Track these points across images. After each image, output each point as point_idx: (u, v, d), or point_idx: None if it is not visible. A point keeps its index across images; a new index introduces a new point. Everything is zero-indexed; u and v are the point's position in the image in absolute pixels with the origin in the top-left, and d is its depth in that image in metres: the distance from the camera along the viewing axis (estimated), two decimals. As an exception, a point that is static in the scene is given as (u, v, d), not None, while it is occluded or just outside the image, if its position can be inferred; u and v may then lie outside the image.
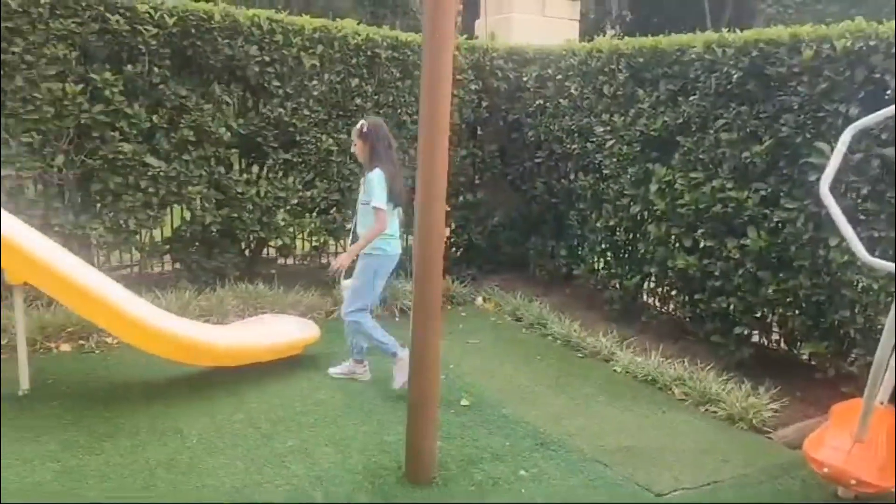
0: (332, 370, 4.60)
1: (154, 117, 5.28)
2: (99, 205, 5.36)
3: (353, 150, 4.41)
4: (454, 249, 6.94)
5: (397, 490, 3.28)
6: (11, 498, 3.05)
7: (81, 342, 4.84)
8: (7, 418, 3.73)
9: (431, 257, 3.21)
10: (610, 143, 5.73)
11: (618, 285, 5.90)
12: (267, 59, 5.66)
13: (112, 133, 5.13)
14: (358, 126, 4.30)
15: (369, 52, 6.14)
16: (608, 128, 5.77)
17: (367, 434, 3.83)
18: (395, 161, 4.35)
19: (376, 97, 6.24)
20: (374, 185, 4.17)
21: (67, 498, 3.08)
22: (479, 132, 7.05)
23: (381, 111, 6.25)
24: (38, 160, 4.97)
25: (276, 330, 4.77)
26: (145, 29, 5.09)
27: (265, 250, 6.42)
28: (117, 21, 4.99)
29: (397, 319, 5.76)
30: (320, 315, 5.72)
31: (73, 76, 4.97)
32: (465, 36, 6.79)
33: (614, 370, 4.93)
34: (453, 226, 6.82)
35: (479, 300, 6.48)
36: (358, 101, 6.13)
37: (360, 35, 6.08)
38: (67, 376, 4.34)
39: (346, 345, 4.58)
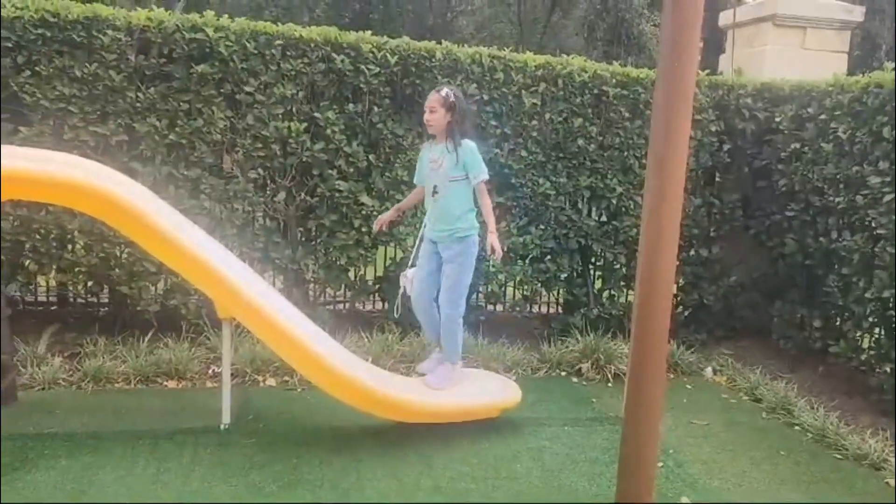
0: (421, 367, 4.44)
1: (371, 156, 5.25)
2: (315, 241, 5.43)
3: (426, 119, 4.03)
4: (681, 309, 6.14)
5: None
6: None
7: (286, 378, 4.84)
8: (206, 452, 3.73)
9: (656, 317, 2.64)
10: (889, 196, 4.67)
11: (890, 370, 4.75)
12: (486, 97, 5.42)
13: (330, 171, 5.17)
14: (443, 93, 3.97)
15: (596, 91, 5.67)
16: (887, 178, 4.71)
17: (564, 527, 3.27)
18: (473, 134, 4.15)
19: (601, 138, 5.74)
20: (477, 156, 3.99)
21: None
22: (717, 179, 6.23)
23: (605, 153, 5.73)
24: (262, 196, 5.14)
25: (475, 390, 4.38)
26: (367, 68, 5.10)
27: (473, 296, 6.14)
28: (342, 61, 5.04)
29: (610, 385, 5.13)
30: (525, 372, 5.27)
31: (299, 115, 5.08)
32: (706, 72, 6.06)
33: (887, 482, 3.87)
34: (681, 282, 6.04)
35: (709, 371, 5.61)
36: (580, 142, 5.67)
37: (586, 72, 5.65)
38: (267, 413, 4.30)
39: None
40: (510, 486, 3.61)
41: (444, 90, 3.97)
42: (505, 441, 4.11)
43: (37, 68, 4.66)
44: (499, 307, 6.31)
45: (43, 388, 4.40)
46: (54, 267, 4.96)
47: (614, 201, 5.82)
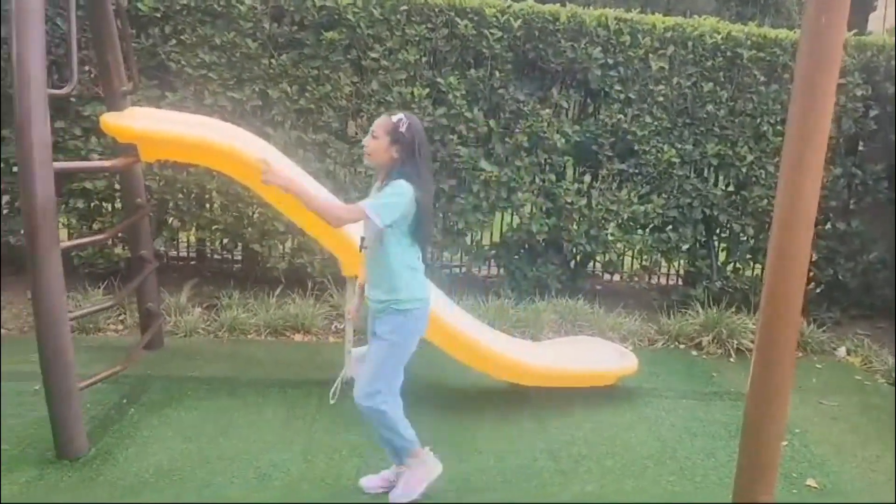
0: (364, 483, 3.20)
1: (491, 122, 5.26)
2: (434, 205, 5.52)
3: (364, 143, 2.94)
4: (813, 285, 5.80)
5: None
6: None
7: (404, 337, 4.98)
8: (328, 402, 3.92)
9: (788, 292, 2.51)
10: None
11: None
12: (611, 61, 5.29)
13: (451, 136, 5.22)
14: (394, 119, 2.84)
15: (728, 53, 5.39)
16: None
17: (679, 495, 3.23)
18: (430, 181, 2.97)
19: (732, 104, 5.46)
20: (396, 199, 2.79)
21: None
22: (860, 147, 5.80)
23: (736, 119, 5.46)
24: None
25: (591, 355, 4.36)
26: (490, 32, 5.08)
27: (590, 265, 6.07)
28: (465, 26, 5.05)
29: (732, 360, 4.96)
30: (642, 343, 5.17)
31: (422, 80, 5.15)
32: (853, 32, 5.61)
33: None
34: (814, 257, 5.71)
35: (842, 351, 5.29)
36: (710, 107, 5.42)
37: (719, 33, 5.37)
38: (386, 369, 4.46)
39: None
40: (624, 454, 3.59)
41: (398, 116, 2.86)
42: (620, 410, 4.07)
43: (182, 37, 4.96)
44: (616, 277, 6.21)
45: (185, 336, 4.77)
46: (194, 224, 5.33)
47: (744, 170, 5.55)
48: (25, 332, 4.56)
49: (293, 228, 4.87)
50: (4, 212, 5.27)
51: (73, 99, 4.83)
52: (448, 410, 3.93)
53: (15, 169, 4.65)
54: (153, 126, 3.81)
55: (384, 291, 2.95)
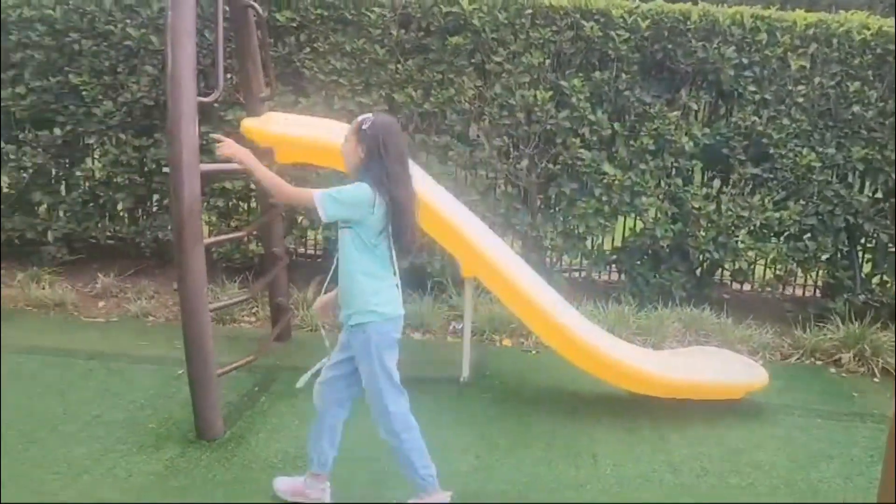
0: (276, 485, 3.03)
1: (616, 125, 5.16)
2: (554, 209, 5.50)
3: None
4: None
5: None
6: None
7: (522, 339, 4.99)
8: (444, 400, 3.99)
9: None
10: None
11: None
12: (745, 61, 5.06)
13: (573, 139, 5.16)
14: (359, 120, 2.74)
15: (878, 50, 5.01)
16: None
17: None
18: (404, 182, 2.73)
19: (882, 104, 5.07)
20: (349, 194, 2.66)
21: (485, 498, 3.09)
22: None
23: (886, 121, 5.07)
24: (505, 164, 5.30)
25: (717, 367, 4.18)
26: (617, 34, 4.99)
27: (718, 273, 5.82)
28: (591, 28, 4.99)
29: (876, 380, 4.60)
30: (773, 357, 4.90)
31: (545, 83, 5.13)
32: None
33: None
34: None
35: None
36: (856, 108, 5.06)
37: (868, 29, 5.01)
38: (503, 371, 4.48)
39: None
40: (752, 473, 3.41)
41: (364, 116, 2.75)
42: (747, 426, 3.88)
43: (315, 45, 5.21)
44: (746, 286, 5.92)
45: (311, 330, 4.99)
46: (322, 224, 5.56)
47: (894, 175, 5.14)
48: (170, 321, 4.93)
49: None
50: (154, 209, 5.73)
51: (216, 104, 5.17)
52: (564, 415, 3.89)
53: (165, 170, 5.06)
54: (288, 130, 4.02)
55: (343, 304, 2.80)
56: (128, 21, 5.27)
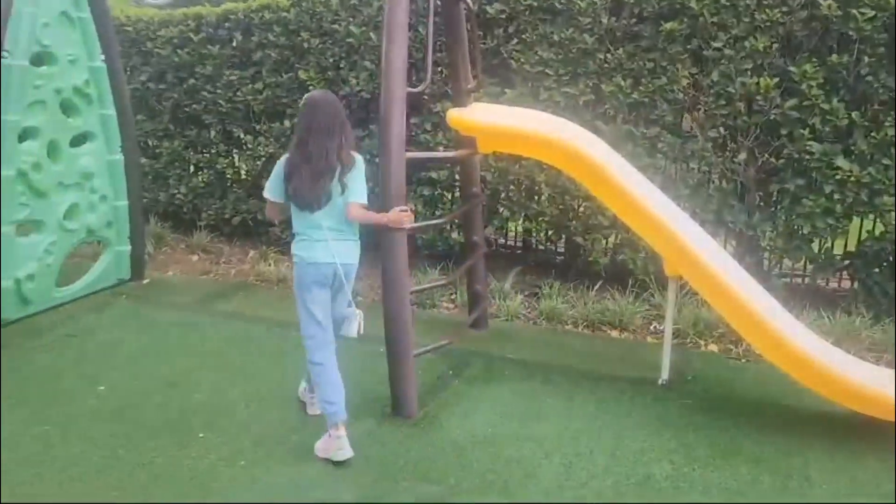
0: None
1: (854, 114, 4.59)
2: (775, 206, 5.03)
3: None
4: None
5: None
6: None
7: (730, 346, 4.64)
8: (640, 401, 3.82)
9: None
10: None
11: None
12: None
13: (801, 130, 4.68)
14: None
15: None
16: None
17: None
18: (298, 142, 3.20)
19: None
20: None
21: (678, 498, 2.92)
22: None
23: None
24: (721, 157, 4.94)
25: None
26: (861, 12, 4.43)
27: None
28: (829, 6, 4.47)
29: None
30: None
31: (770, 70, 4.70)
32: None
33: None
34: None
35: None
36: None
37: None
38: (707, 377, 4.19)
39: None
40: None
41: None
42: None
43: (523, 36, 5.22)
44: None
45: (506, 320, 5.03)
46: (522, 215, 5.58)
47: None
48: (375, 301, 5.21)
49: (618, 224, 4.83)
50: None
51: (425, 97, 5.38)
52: (774, 431, 3.54)
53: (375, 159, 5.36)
54: (491, 119, 4.06)
55: None
56: (350, 19, 5.65)
